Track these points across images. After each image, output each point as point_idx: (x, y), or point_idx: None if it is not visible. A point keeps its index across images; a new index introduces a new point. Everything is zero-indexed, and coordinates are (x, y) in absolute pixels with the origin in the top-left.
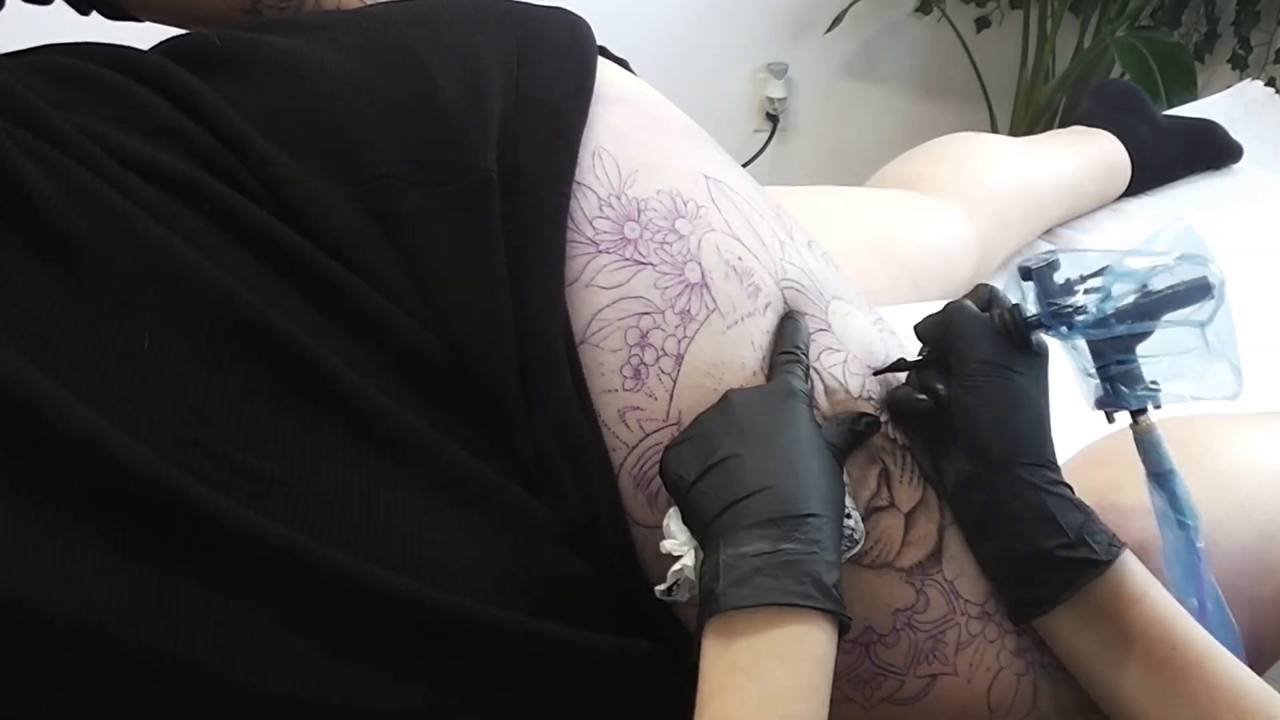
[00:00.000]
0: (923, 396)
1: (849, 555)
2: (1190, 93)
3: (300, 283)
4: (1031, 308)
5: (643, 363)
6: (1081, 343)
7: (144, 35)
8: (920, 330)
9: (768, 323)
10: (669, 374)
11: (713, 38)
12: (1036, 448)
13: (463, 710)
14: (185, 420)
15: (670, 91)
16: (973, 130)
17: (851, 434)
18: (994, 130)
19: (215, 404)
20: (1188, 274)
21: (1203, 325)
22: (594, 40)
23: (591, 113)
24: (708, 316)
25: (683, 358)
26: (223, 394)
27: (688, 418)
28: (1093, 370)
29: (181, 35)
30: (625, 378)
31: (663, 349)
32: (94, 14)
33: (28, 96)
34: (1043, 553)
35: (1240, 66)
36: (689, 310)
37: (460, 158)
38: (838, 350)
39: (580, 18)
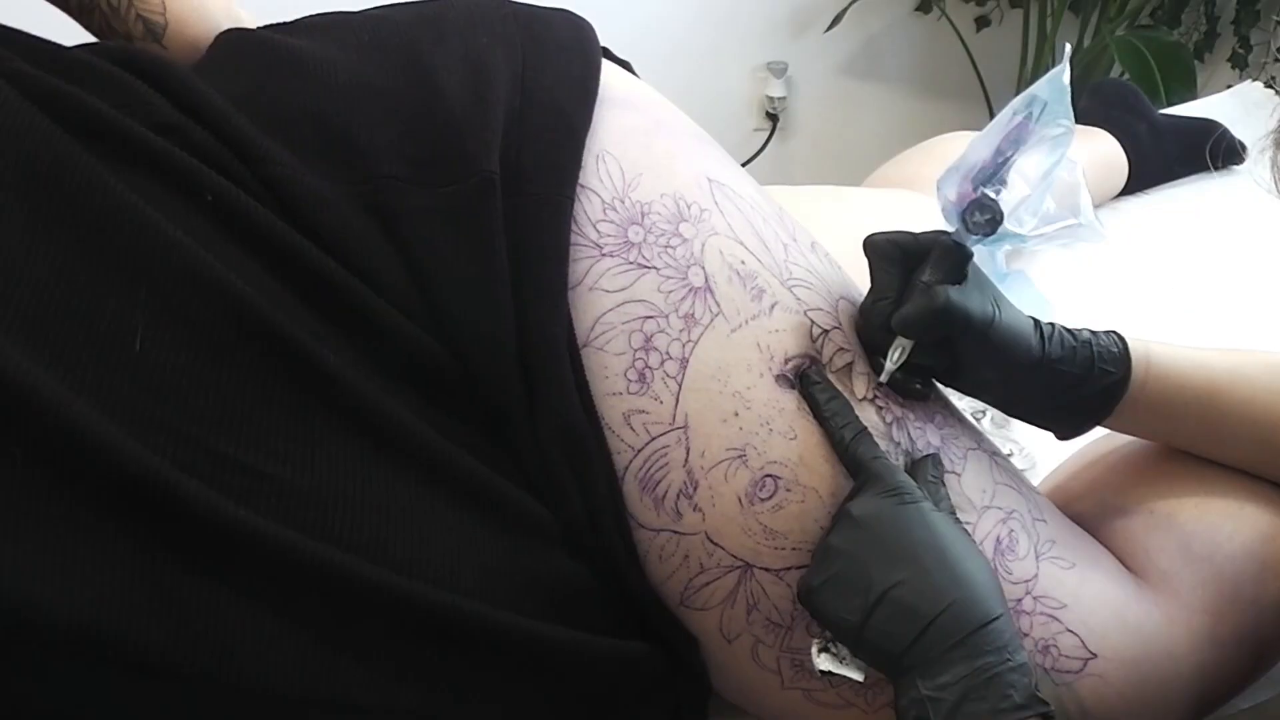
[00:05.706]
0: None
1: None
2: (1190, 92)
3: (298, 281)
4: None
5: (647, 366)
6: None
7: None
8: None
9: (775, 323)
10: (674, 377)
11: (712, 37)
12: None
13: (459, 711)
14: (180, 415)
15: (669, 90)
16: (972, 129)
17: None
18: None
19: (211, 399)
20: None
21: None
22: (598, 42)
23: (596, 115)
24: (712, 320)
25: (687, 361)
26: (219, 389)
27: (693, 421)
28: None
29: None
30: (630, 381)
31: (667, 353)
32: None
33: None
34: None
35: (1240, 65)
36: (693, 314)
37: (463, 159)
38: (847, 350)
39: (583, 19)
